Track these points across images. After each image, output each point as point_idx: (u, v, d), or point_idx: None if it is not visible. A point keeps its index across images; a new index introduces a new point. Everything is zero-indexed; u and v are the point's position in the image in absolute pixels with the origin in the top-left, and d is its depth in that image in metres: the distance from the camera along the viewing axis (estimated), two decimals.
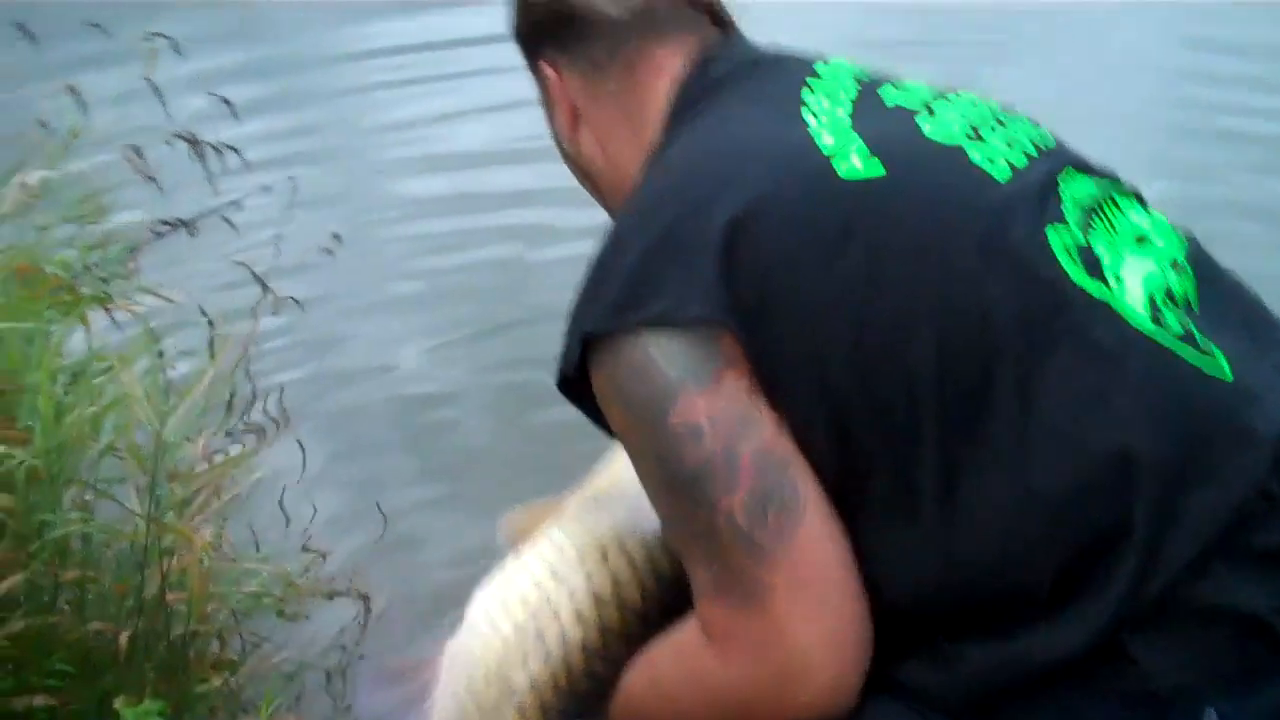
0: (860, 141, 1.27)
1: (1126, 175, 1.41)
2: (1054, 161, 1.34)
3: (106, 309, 2.30)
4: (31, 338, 2.00)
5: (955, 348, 1.17)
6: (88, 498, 2.02)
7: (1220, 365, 1.20)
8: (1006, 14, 6.62)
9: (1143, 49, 6.50)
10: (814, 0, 6.65)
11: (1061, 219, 1.26)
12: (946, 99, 1.39)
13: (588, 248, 1.32)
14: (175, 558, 1.93)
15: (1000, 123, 1.37)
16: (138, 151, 2.44)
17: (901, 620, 1.20)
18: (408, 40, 6.44)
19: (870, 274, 1.19)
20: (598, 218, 1.53)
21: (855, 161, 1.24)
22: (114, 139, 2.44)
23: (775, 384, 1.20)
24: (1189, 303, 1.27)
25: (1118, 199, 1.36)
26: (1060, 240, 1.23)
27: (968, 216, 1.23)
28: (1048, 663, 1.12)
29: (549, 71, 1.51)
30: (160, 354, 2.07)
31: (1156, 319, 1.21)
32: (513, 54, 1.56)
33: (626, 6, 1.46)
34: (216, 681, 2.03)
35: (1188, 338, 1.21)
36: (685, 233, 1.23)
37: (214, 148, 2.54)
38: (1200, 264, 1.33)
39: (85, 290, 2.22)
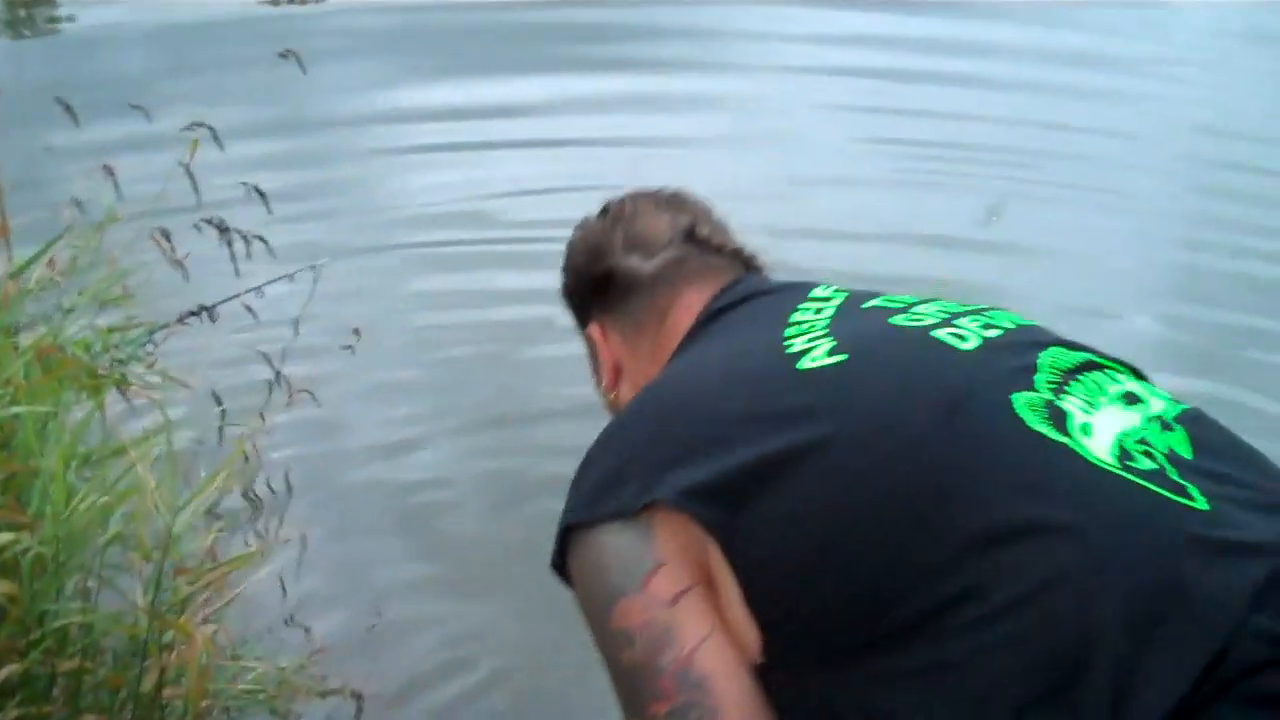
0: (831, 340, 1.35)
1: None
2: (1034, 335, 1.41)
3: (123, 392, 2.30)
4: (47, 421, 1.99)
5: (910, 519, 1.19)
6: (90, 585, 2.00)
7: (1196, 499, 1.19)
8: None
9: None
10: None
11: (1030, 385, 1.29)
12: (933, 301, 1.46)
13: None
14: (174, 653, 1.91)
15: (980, 312, 1.43)
16: (166, 235, 2.45)
17: None
18: (443, 132, 6.49)
19: (831, 447, 1.24)
20: None
21: (819, 354, 1.33)
22: (145, 221, 2.45)
23: (745, 556, 1.24)
24: (1175, 455, 1.26)
25: (1108, 368, 1.38)
26: (1028, 402, 1.26)
27: (928, 383, 1.29)
28: None
29: (596, 334, 1.68)
30: (173, 443, 2.06)
31: (1124, 464, 1.22)
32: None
33: (660, 262, 1.63)
34: None
35: (1158, 477, 1.21)
36: (651, 444, 1.33)
37: (242, 236, 2.55)
38: (1199, 425, 1.33)
39: (103, 373, 2.21)
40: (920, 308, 1.44)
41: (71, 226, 2.38)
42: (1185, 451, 1.28)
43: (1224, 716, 1.07)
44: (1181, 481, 1.22)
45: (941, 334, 1.37)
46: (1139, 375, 1.41)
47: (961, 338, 1.36)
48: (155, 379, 2.28)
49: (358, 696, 2.55)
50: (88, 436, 2.09)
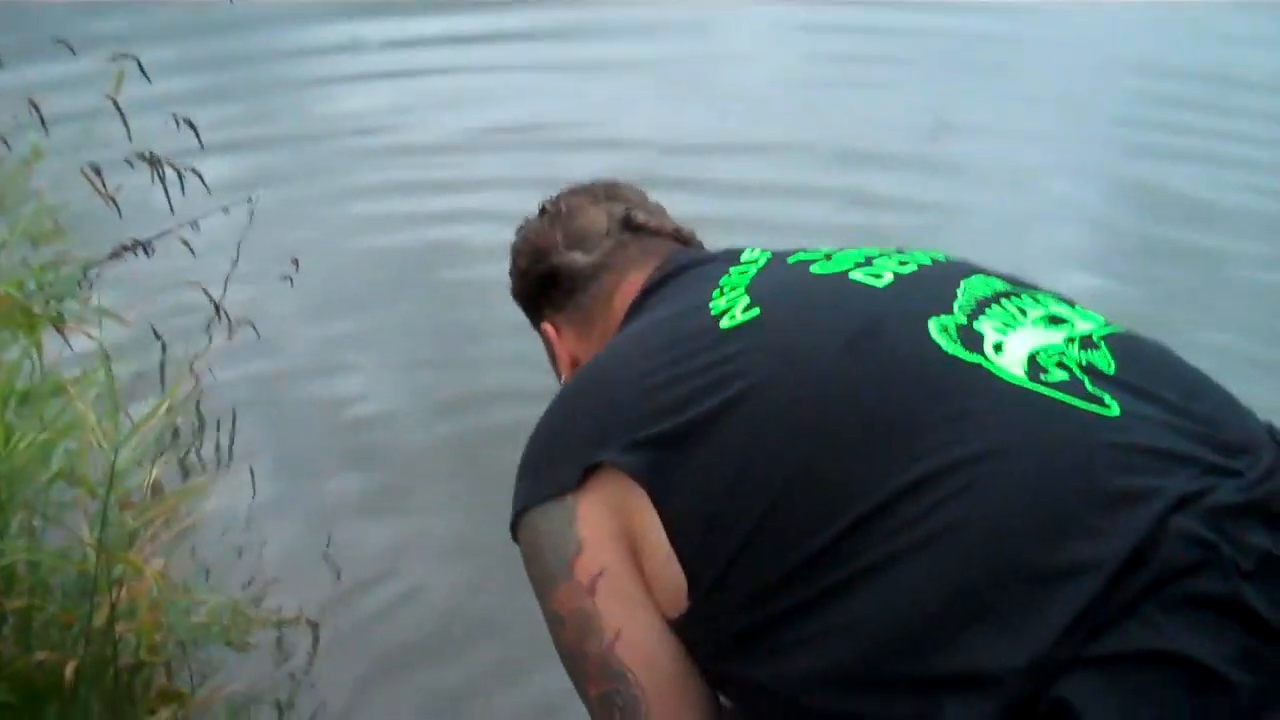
0: (747, 298, 1.40)
1: None
2: (955, 268, 1.46)
3: (60, 330, 2.27)
4: None
5: (829, 445, 1.24)
6: (35, 524, 1.98)
7: (1110, 406, 1.23)
8: None
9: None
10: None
11: (946, 311, 1.33)
12: (858, 249, 1.50)
13: None
14: (124, 587, 1.90)
15: (901, 252, 1.49)
16: (96, 170, 2.41)
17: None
18: (375, 62, 6.42)
19: (749, 397, 1.28)
20: None
21: (737, 314, 1.37)
22: (74, 157, 2.41)
23: (677, 500, 1.29)
24: (1094, 369, 1.29)
25: (1033, 295, 1.42)
26: (940, 326, 1.31)
27: (838, 320, 1.35)
28: None
29: (550, 332, 1.72)
30: (113, 379, 2.04)
31: (1036, 378, 1.25)
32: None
33: (600, 254, 1.68)
34: (165, 713, 2.00)
35: (1071, 387, 1.24)
36: (579, 421, 1.40)
37: (175, 169, 2.51)
38: (1127, 343, 1.36)
39: (38, 311, 2.18)
40: (841, 255, 1.49)
41: None
42: (1106, 367, 1.30)
43: (1152, 617, 1.08)
44: (1096, 391, 1.25)
45: (857, 274, 1.42)
46: (1070, 304, 1.43)
47: (877, 276, 1.41)
48: (92, 316, 2.25)
49: (313, 625, 2.55)
50: (25, 375, 2.06)
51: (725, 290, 1.44)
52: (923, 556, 1.16)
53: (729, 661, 1.28)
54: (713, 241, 1.75)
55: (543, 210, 1.79)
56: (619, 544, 1.32)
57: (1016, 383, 1.25)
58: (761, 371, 1.30)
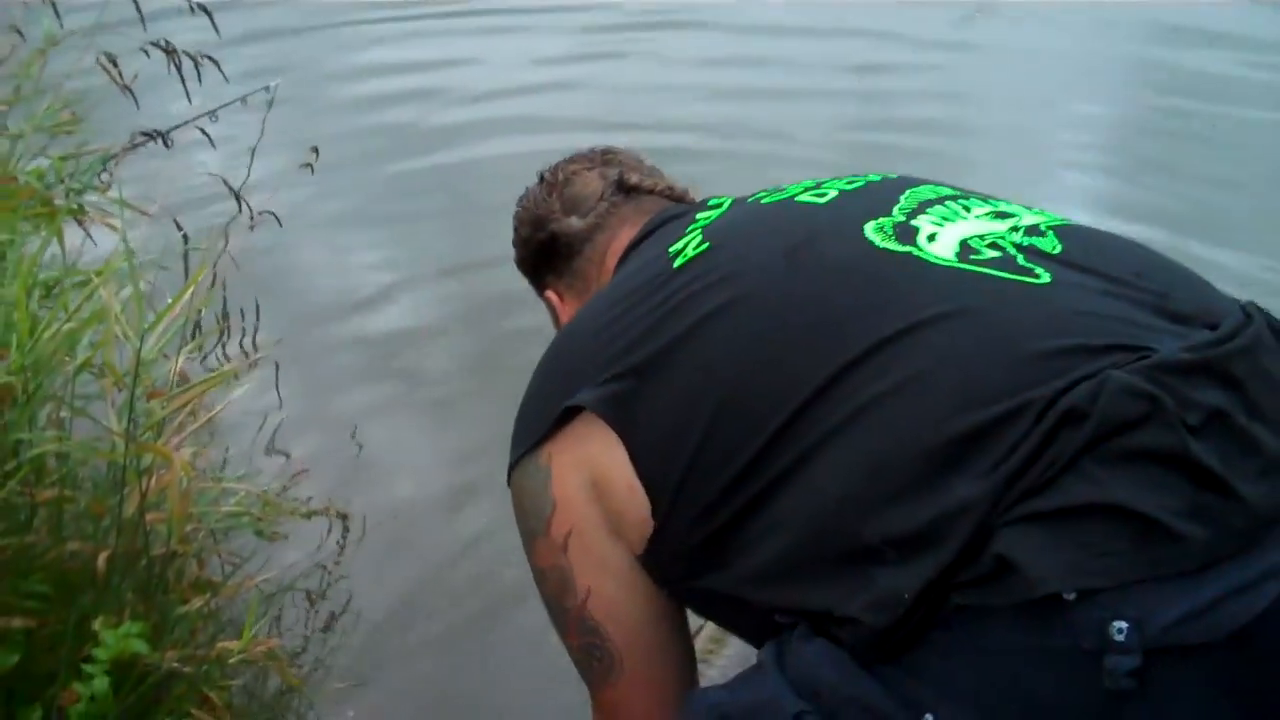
0: (700, 235, 1.47)
1: None
2: (906, 182, 1.50)
3: (80, 222, 2.25)
4: (4, 251, 1.94)
5: (766, 354, 1.28)
6: (64, 415, 1.97)
7: (1040, 276, 1.25)
8: None
9: None
10: None
11: (885, 214, 1.38)
12: (818, 181, 1.54)
13: None
14: (154, 477, 1.89)
15: (856, 177, 1.53)
16: (112, 60, 2.38)
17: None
18: None
19: (698, 327, 1.33)
20: None
21: (689, 252, 1.44)
22: (89, 47, 2.38)
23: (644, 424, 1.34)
24: (1034, 249, 1.31)
25: (987, 199, 1.46)
26: (875, 225, 1.36)
27: (776, 236, 1.41)
28: (920, 588, 1.09)
29: (553, 298, 1.79)
30: (135, 268, 2.01)
31: (964, 257, 1.28)
32: None
33: (594, 217, 1.74)
34: (197, 603, 1.99)
35: (1001, 264, 1.27)
36: (551, 379, 1.47)
37: (191, 57, 2.48)
38: (1079, 232, 1.38)
39: (60, 202, 2.16)
40: (794, 185, 1.54)
41: (14, 54, 2.30)
42: (1050, 248, 1.31)
43: (1092, 472, 1.07)
44: (1028, 265, 1.26)
45: (803, 197, 1.48)
46: (1028, 209, 1.44)
47: (822, 195, 1.47)
48: (112, 208, 2.22)
49: (343, 516, 2.56)
50: (48, 267, 2.04)
51: (686, 234, 1.50)
52: (844, 439, 1.19)
53: (697, 580, 1.32)
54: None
55: (541, 179, 1.85)
56: (589, 500, 1.39)
57: (943, 264, 1.28)
58: (708, 297, 1.35)
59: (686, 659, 1.48)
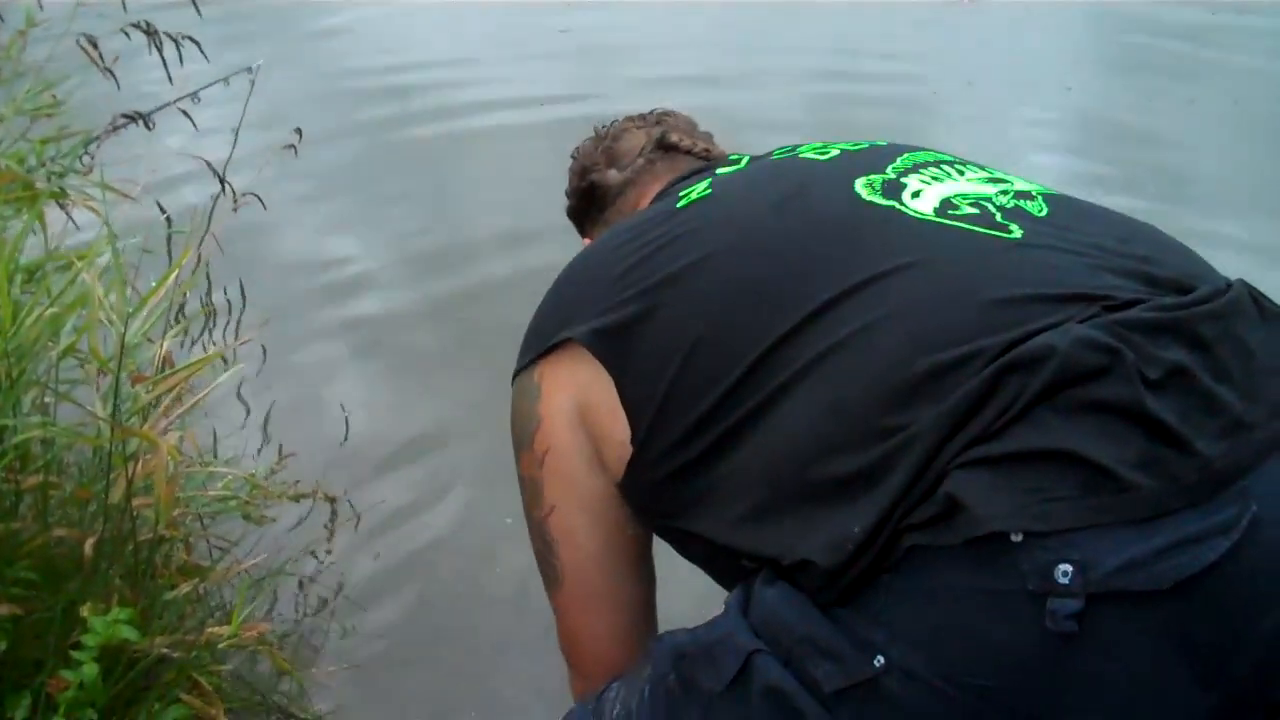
0: (707, 183, 1.54)
1: None
2: (905, 146, 1.55)
3: (62, 206, 2.22)
4: None
5: (743, 295, 1.33)
6: (48, 400, 1.96)
7: (1013, 232, 1.29)
8: None
9: None
10: None
11: (878, 171, 1.44)
12: (830, 143, 1.59)
13: None
14: (140, 462, 1.88)
15: (861, 141, 1.58)
16: (93, 42, 2.35)
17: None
18: None
19: (691, 261, 1.38)
20: None
21: (693, 196, 1.51)
22: (69, 29, 2.35)
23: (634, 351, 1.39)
24: (1019, 210, 1.34)
25: (984, 167, 1.50)
26: (866, 180, 1.41)
27: (772, 187, 1.47)
28: (870, 525, 1.11)
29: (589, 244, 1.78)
30: (119, 253, 1.99)
31: (943, 213, 1.33)
32: None
33: (631, 170, 1.84)
34: (185, 588, 1.99)
35: (978, 219, 1.31)
36: (552, 306, 1.52)
37: (173, 39, 2.45)
38: (1067, 200, 1.41)
39: (41, 186, 2.14)
40: (808, 145, 1.59)
41: None
42: (1036, 211, 1.35)
43: (1045, 419, 1.08)
44: (1004, 222, 1.30)
45: (808, 154, 1.55)
46: (1026, 181, 1.48)
47: (824, 153, 1.54)
48: (94, 191, 2.19)
49: (331, 499, 2.55)
50: (29, 251, 2.02)
51: (699, 184, 1.56)
52: (803, 386, 1.22)
53: (671, 519, 1.36)
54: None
55: (595, 133, 1.96)
56: (573, 424, 1.46)
57: (920, 218, 1.32)
58: (701, 237, 1.41)
59: (635, 594, 1.56)
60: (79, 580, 1.85)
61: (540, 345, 1.48)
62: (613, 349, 1.40)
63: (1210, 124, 5.07)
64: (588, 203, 1.91)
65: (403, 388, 3.44)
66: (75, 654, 1.72)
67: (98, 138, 2.31)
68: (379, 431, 3.16)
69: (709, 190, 1.51)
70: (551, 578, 1.55)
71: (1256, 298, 1.23)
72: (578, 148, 1.97)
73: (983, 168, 1.50)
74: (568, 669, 1.61)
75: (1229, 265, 1.33)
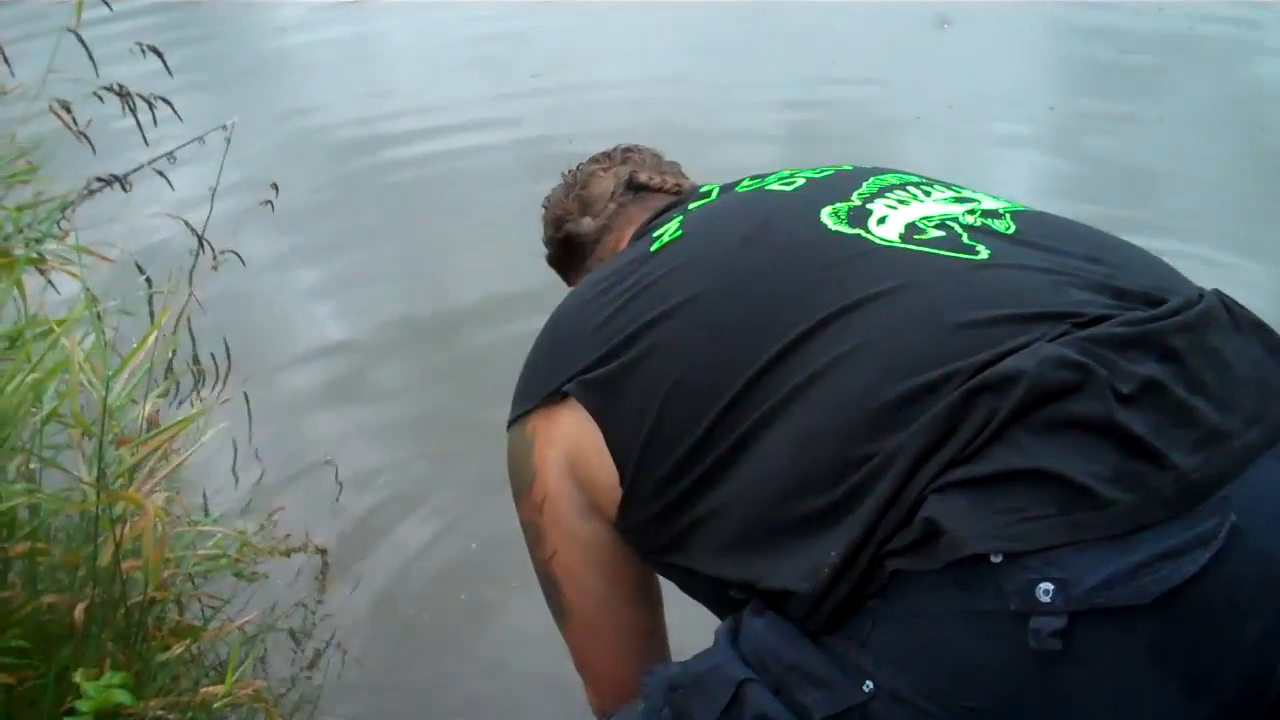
0: (678, 224, 1.57)
1: None
2: (873, 170, 1.57)
3: (41, 271, 2.22)
4: None
5: (717, 335, 1.35)
6: (33, 466, 1.95)
7: (979, 253, 1.30)
8: None
9: None
10: None
11: (844, 199, 1.46)
12: (796, 170, 1.62)
13: None
14: (128, 525, 1.88)
15: (828, 167, 1.61)
16: (66, 107, 2.35)
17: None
18: None
19: (668, 307, 1.41)
20: None
21: (665, 238, 1.53)
22: (41, 95, 2.35)
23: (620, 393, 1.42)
24: (986, 229, 1.36)
25: (952, 186, 1.52)
26: (832, 209, 1.43)
27: (739, 221, 1.50)
28: (846, 551, 1.13)
29: None
30: (99, 316, 2.00)
31: (909, 238, 1.35)
32: None
33: (604, 216, 1.86)
34: (178, 649, 1.98)
35: (944, 243, 1.32)
36: (539, 358, 1.58)
37: (146, 100, 2.45)
38: (1037, 217, 1.43)
39: (19, 253, 2.14)
40: (773, 175, 1.62)
41: None
42: (1004, 229, 1.36)
43: (1019, 440, 1.09)
44: (970, 243, 1.31)
45: (774, 185, 1.57)
46: (994, 197, 1.49)
47: (790, 182, 1.55)
48: (72, 255, 2.20)
49: (322, 551, 2.54)
50: (7, 318, 2.02)
51: (671, 222, 1.59)
52: (780, 420, 1.24)
53: (667, 555, 1.39)
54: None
55: (563, 179, 1.99)
56: (564, 474, 1.50)
57: (886, 245, 1.34)
58: (674, 280, 1.43)
59: (640, 621, 1.64)
60: (71, 646, 1.84)
61: (532, 398, 1.53)
62: (599, 398, 1.44)
63: (1194, 141, 5.09)
64: (567, 252, 1.94)
65: (390, 437, 3.43)
66: None
67: (73, 202, 2.32)
68: (366, 479, 3.16)
69: (680, 232, 1.54)
70: (559, 614, 1.63)
71: (1230, 307, 1.24)
72: (548, 197, 2.00)
73: (949, 186, 1.51)
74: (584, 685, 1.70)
75: (1204, 277, 1.33)
